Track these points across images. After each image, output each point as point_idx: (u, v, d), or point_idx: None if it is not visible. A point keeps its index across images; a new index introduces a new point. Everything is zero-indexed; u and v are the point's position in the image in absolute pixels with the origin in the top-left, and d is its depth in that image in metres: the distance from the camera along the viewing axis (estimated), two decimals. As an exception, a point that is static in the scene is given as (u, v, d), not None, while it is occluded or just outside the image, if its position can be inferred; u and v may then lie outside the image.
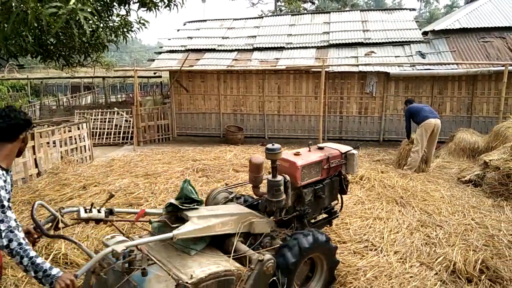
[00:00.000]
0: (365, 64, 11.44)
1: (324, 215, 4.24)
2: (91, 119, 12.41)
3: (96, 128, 12.67)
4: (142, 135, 11.95)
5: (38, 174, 7.47)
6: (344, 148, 4.08)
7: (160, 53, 14.19)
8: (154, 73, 17.42)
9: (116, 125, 12.95)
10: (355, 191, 6.12)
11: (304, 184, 3.62)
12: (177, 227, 2.84)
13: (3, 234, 2.07)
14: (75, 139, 8.91)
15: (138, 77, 15.43)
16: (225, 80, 12.55)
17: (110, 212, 2.92)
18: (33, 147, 7.44)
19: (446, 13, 40.40)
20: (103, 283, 2.72)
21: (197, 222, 2.90)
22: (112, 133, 12.74)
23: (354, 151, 4.05)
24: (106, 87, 23.21)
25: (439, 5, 59.50)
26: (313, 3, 32.55)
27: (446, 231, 4.77)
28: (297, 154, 3.72)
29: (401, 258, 4.07)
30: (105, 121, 12.99)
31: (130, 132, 12.47)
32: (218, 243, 3.12)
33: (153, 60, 13.90)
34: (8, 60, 7.09)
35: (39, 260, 2.10)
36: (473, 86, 11.15)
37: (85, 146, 9.21)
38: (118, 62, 41.81)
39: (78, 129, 9.04)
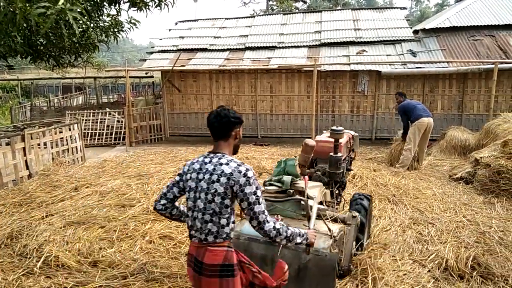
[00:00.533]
0: (357, 63, 11.48)
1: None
2: (83, 120, 12.32)
3: (88, 129, 12.57)
4: (134, 136, 11.89)
5: (29, 176, 7.40)
6: (350, 131, 5.13)
7: (151, 53, 14.12)
8: (146, 73, 17.28)
9: (108, 126, 12.86)
10: (348, 189, 6.14)
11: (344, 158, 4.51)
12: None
13: (269, 219, 2.34)
14: (67, 140, 8.84)
15: (130, 77, 15.36)
16: (217, 79, 12.52)
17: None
18: (24, 148, 7.37)
19: (436, 12, 40.68)
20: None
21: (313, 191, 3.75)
22: (104, 133, 12.65)
23: (356, 134, 5.27)
24: (97, 87, 23.06)
25: (429, 4, 59.83)
26: (305, 2, 32.60)
27: (438, 229, 4.80)
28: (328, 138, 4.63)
29: (393, 256, 4.09)
30: (96, 122, 12.89)
31: (122, 132, 12.40)
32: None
33: (145, 60, 13.83)
34: (-3, 61, 7.02)
35: (291, 229, 2.40)
36: (464, 84, 11.24)
37: (76, 147, 9.14)
38: (110, 62, 41.56)
39: (70, 130, 8.97)
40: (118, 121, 12.87)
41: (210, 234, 2.28)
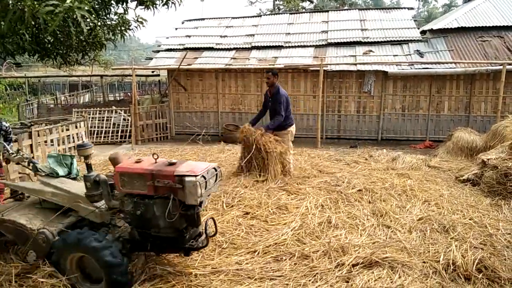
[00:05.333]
0: (363, 63, 11.44)
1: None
2: (89, 117, 12.37)
3: (94, 127, 12.63)
4: (140, 134, 11.93)
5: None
6: (190, 169, 3.24)
7: (158, 51, 14.15)
8: (152, 72, 17.38)
9: (114, 124, 12.92)
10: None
11: (125, 191, 3.41)
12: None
13: None
14: (73, 137, 8.89)
15: (136, 75, 15.40)
16: (223, 78, 12.53)
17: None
18: (31, 145, 7.41)
19: (444, 12, 40.45)
20: None
21: (34, 185, 4.02)
22: (110, 131, 12.71)
23: (193, 179, 3.15)
24: (104, 85, 23.15)
25: (437, 4, 59.52)
26: (312, 2, 32.50)
27: (445, 230, 4.77)
28: (138, 161, 3.49)
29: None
30: (103, 120, 12.95)
31: (128, 130, 12.44)
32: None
33: (151, 58, 13.87)
34: (5, 58, 7.06)
35: None
36: (471, 85, 11.16)
37: (83, 145, 9.18)
38: (116, 61, 41.72)
39: (76, 127, 9.02)
40: (124, 119, 12.92)
41: None
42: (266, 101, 7.07)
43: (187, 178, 3.15)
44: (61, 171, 4.09)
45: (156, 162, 3.41)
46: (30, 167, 4.11)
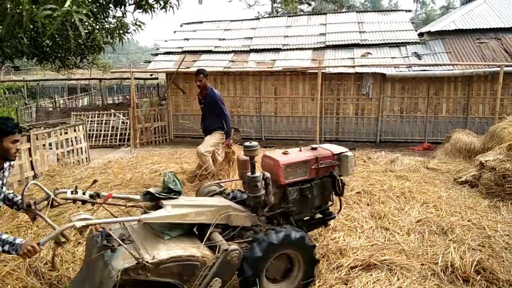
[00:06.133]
0: (362, 65, 11.47)
1: (319, 215, 4.19)
2: (88, 121, 12.37)
3: (93, 130, 12.63)
4: (139, 137, 11.93)
5: (34, 176, 7.44)
6: (338, 149, 3.98)
7: (156, 54, 14.17)
8: (151, 75, 17.40)
9: (113, 127, 12.91)
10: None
11: (289, 182, 3.64)
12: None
13: None
14: (72, 141, 8.89)
15: (135, 78, 15.40)
16: (222, 81, 12.55)
17: (97, 195, 3.24)
18: (29, 149, 7.41)
19: (442, 14, 40.57)
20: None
21: (170, 210, 3.13)
22: (109, 135, 12.70)
23: (348, 153, 3.91)
24: (102, 89, 23.15)
25: (435, 6, 59.74)
26: (310, 5, 32.57)
27: (443, 232, 4.78)
28: (285, 153, 3.76)
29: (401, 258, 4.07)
30: (101, 123, 12.94)
31: (127, 134, 12.43)
32: (200, 233, 3.34)
33: (150, 61, 13.89)
34: (3, 62, 7.07)
35: (4, 236, 2.51)
36: (469, 87, 11.20)
37: (81, 148, 9.18)
38: (115, 64, 41.73)
39: (75, 131, 9.01)
40: (123, 122, 12.92)
41: None
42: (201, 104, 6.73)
43: (347, 154, 3.91)
44: (178, 187, 3.44)
45: (301, 151, 3.88)
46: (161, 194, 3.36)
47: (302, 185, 3.74)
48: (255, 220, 3.51)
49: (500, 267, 3.90)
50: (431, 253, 4.24)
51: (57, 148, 8.38)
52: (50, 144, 8.22)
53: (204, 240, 3.10)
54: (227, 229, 3.36)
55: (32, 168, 7.46)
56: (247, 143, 3.41)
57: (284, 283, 3.48)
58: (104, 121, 12.96)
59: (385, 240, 4.56)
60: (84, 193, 3.16)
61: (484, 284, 3.66)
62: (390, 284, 3.60)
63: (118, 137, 12.64)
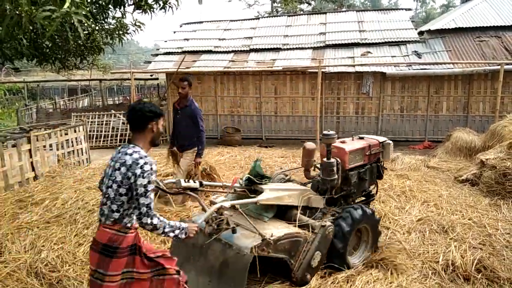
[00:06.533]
0: (362, 65, 11.46)
1: (362, 198, 4.64)
2: (88, 121, 12.36)
3: (93, 131, 12.63)
4: (139, 138, 11.90)
5: (35, 177, 7.43)
6: (380, 138, 4.58)
7: (156, 55, 14.17)
8: (151, 75, 17.40)
9: (113, 128, 12.91)
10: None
11: (351, 167, 4.11)
12: (254, 196, 3.52)
13: (150, 213, 2.45)
14: (72, 142, 8.88)
15: (135, 79, 15.41)
16: (222, 81, 12.55)
17: (200, 184, 3.39)
18: (30, 150, 7.41)
19: (442, 13, 40.51)
20: (191, 245, 3.41)
21: (270, 193, 3.56)
22: (109, 135, 12.71)
23: (390, 141, 4.56)
24: (103, 89, 23.15)
25: (435, 5, 59.62)
26: (309, 4, 32.54)
27: (444, 231, 4.77)
28: (343, 142, 4.22)
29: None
30: (102, 124, 12.94)
31: (127, 134, 12.43)
32: (280, 215, 3.76)
33: (150, 62, 13.89)
34: (3, 63, 7.07)
35: (172, 223, 2.58)
36: (469, 85, 11.18)
37: (82, 149, 9.18)
38: (115, 65, 41.76)
39: (75, 132, 9.01)
40: (123, 123, 12.91)
41: (103, 216, 2.53)
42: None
43: (388, 142, 4.53)
44: (267, 173, 3.92)
45: (353, 139, 4.37)
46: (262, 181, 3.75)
47: (359, 170, 4.25)
48: (323, 202, 4.01)
49: (501, 265, 3.90)
50: (432, 251, 4.24)
51: (57, 149, 8.38)
52: (50, 145, 8.22)
53: (297, 220, 3.61)
54: (306, 210, 3.85)
55: (33, 169, 7.46)
56: (325, 132, 3.89)
57: (357, 254, 4.00)
58: (104, 122, 12.97)
59: (386, 239, 4.55)
60: (194, 182, 3.32)
61: (485, 283, 3.66)
62: (390, 283, 3.60)
63: (118, 137, 12.64)
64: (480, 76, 11.03)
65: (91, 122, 12.77)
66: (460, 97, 11.31)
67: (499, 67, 9.87)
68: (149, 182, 2.44)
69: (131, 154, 2.48)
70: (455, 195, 6.24)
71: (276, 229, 3.38)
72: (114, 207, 2.48)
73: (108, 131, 12.77)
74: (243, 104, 12.57)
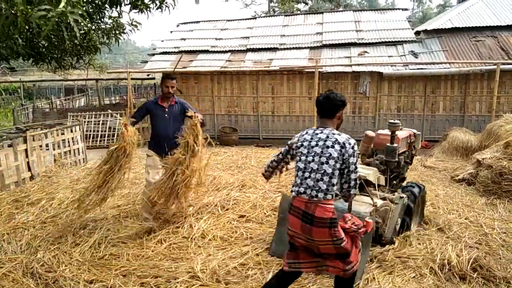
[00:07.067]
0: (358, 64, 11.48)
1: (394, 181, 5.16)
2: (85, 121, 12.33)
3: (90, 131, 12.59)
4: (136, 137, 11.87)
5: (31, 177, 7.41)
6: (412, 130, 5.39)
7: (153, 54, 14.14)
8: (148, 75, 17.34)
9: (110, 128, 12.88)
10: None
11: (401, 152, 4.82)
12: None
13: (356, 186, 2.86)
14: (69, 142, 8.85)
15: (132, 79, 15.38)
16: (219, 81, 12.53)
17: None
18: (26, 150, 7.38)
19: (438, 13, 40.63)
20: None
21: (361, 170, 4.19)
22: (106, 135, 12.68)
23: (419, 132, 5.43)
24: (99, 89, 23.10)
25: (431, 5, 59.78)
26: (306, 4, 32.58)
27: (440, 230, 4.78)
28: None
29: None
30: (98, 124, 12.91)
31: (124, 134, 12.38)
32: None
33: (147, 62, 13.86)
34: (-1, 63, 7.04)
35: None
36: (466, 85, 11.21)
37: (78, 149, 9.15)
38: (112, 64, 41.68)
39: (71, 132, 8.98)
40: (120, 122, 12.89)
41: (320, 192, 2.72)
42: (146, 113, 5.45)
43: (418, 133, 5.41)
44: None
45: (401, 129, 4.99)
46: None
47: (404, 155, 4.95)
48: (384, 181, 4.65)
49: (497, 265, 3.91)
50: (428, 250, 4.25)
51: (54, 149, 8.35)
52: (47, 145, 8.19)
53: (377, 194, 4.25)
54: (369, 186, 4.32)
55: (29, 169, 7.43)
56: (391, 120, 4.55)
57: (412, 222, 4.66)
58: (101, 122, 12.94)
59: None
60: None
61: (481, 282, 3.66)
62: (387, 282, 3.60)
63: (115, 137, 12.60)
64: (476, 75, 11.06)
65: (88, 122, 12.73)
66: (457, 97, 11.34)
67: (495, 66, 9.90)
68: (357, 160, 2.81)
69: (339, 135, 2.84)
70: (452, 194, 6.26)
71: (370, 201, 3.99)
72: (334, 180, 2.74)
73: (105, 131, 12.74)
74: (240, 104, 12.56)
